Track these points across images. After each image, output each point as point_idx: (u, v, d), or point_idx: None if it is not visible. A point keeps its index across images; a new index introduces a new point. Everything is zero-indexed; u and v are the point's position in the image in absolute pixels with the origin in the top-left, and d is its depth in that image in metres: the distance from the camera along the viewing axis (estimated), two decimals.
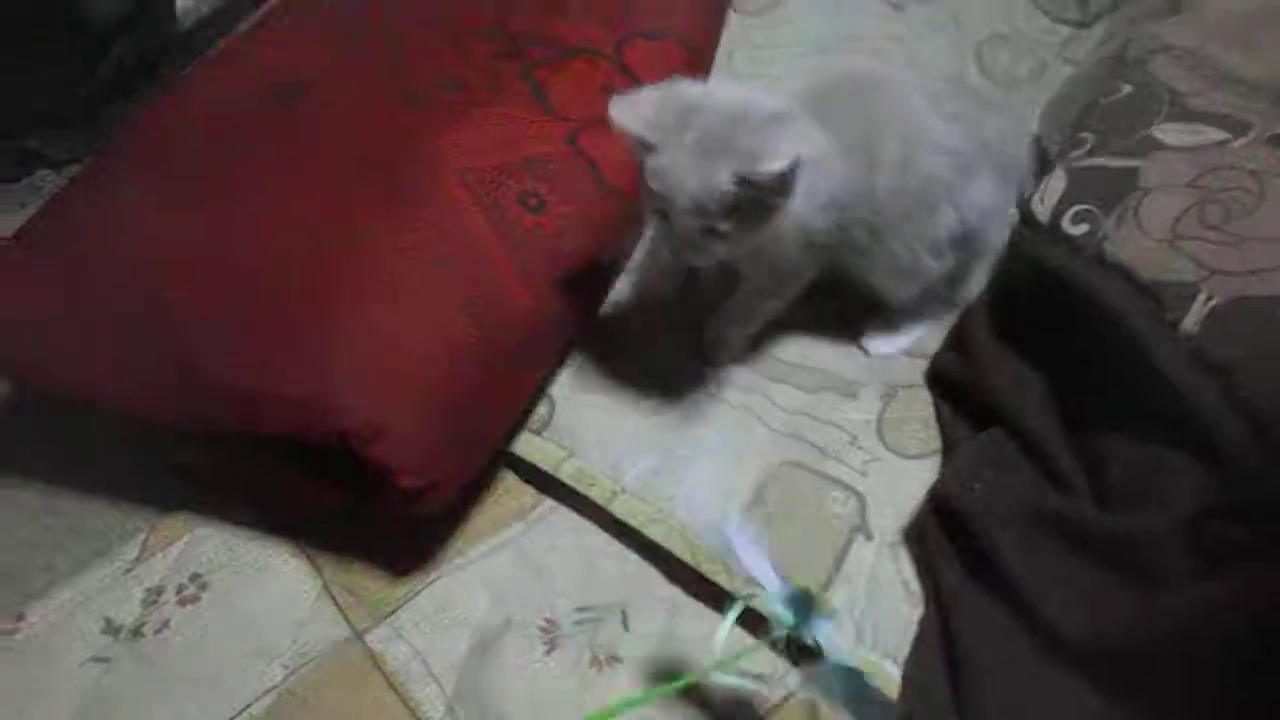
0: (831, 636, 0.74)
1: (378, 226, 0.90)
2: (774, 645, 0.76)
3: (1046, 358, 0.89)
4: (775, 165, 0.74)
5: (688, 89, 0.81)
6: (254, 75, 1.11)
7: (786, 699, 0.82)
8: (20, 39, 1.22)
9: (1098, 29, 1.34)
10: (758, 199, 0.77)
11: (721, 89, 0.83)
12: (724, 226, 0.79)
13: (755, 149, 0.75)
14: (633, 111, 0.78)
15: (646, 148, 0.78)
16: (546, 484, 0.96)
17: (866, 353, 1.01)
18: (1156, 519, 0.74)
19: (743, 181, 0.75)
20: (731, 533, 0.75)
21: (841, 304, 1.03)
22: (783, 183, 0.76)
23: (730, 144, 0.76)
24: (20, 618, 0.88)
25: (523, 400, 0.96)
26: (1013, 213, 0.96)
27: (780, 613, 0.74)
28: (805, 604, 0.74)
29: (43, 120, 1.30)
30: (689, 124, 0.77)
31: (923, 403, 0.96)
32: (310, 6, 1.23)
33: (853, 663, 0.75)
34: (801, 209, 0.82)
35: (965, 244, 0.92)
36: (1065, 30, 1.36)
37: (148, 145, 1.04)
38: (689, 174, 0.76)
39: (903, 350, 1.01)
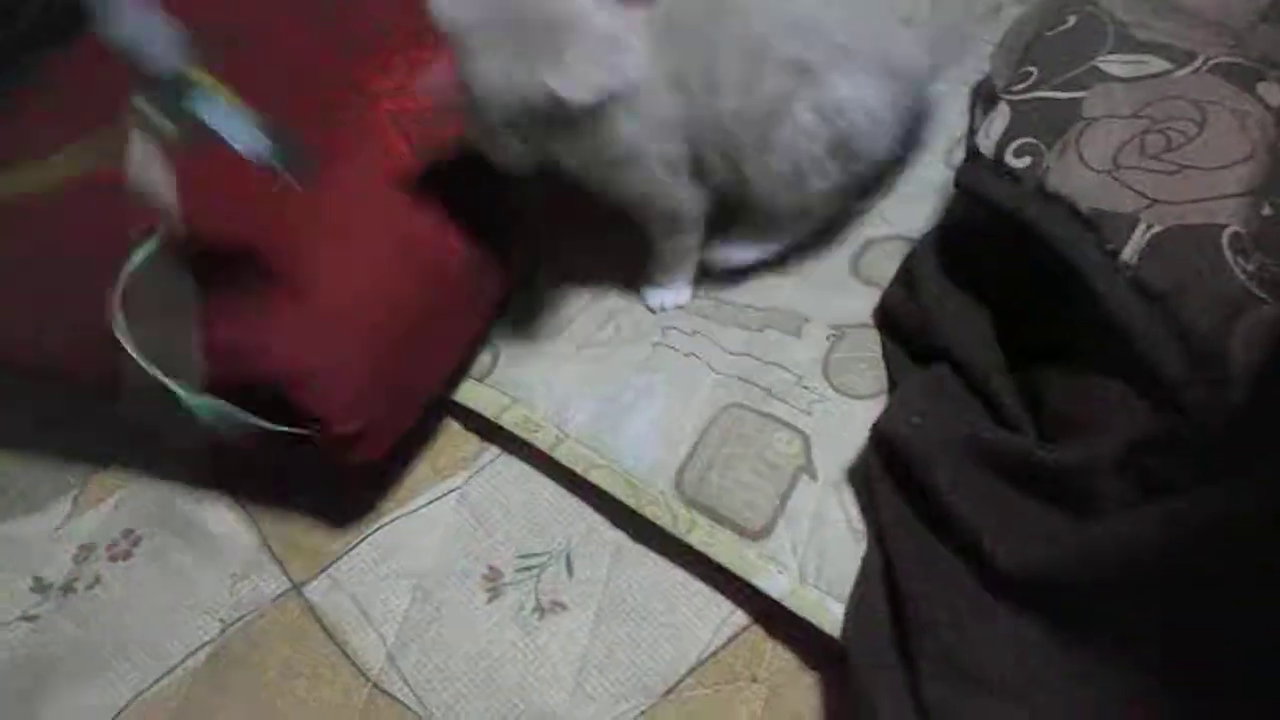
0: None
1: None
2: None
3: (991, 292, 0.88)
4: (579, 95, 0.73)
5: None
6: (191, 20, 1.07)
7: None
8: None
9: None
10: (569, 117, 0.76)
11: None
12: (530, 134, 0.78)
13: (571, 70, 0.74)
14: (455, 6, 0.76)
15: (464, 49, 0.76)
16: (490, 432, 0.94)
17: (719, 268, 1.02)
18: (1093, 449, 0.73)
19: (552, 99, 0.74)
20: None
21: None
22: (590, 111, 0.76)
23: (546, 58, 0.74)
24: None
25: (461, 347, 0.94)
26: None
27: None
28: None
29: None
30: (511, 27, 0.75)
31: (872, 342, 0.95)
32: None
33: None
34: (628, 134, 0.82)
35: (844, 151, 0.91)
36: None
37: (69, 87, 1.01)
38: (501, 78, 0.75)
39: (758, 259, 1.01)
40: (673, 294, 1.01)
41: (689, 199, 0.93)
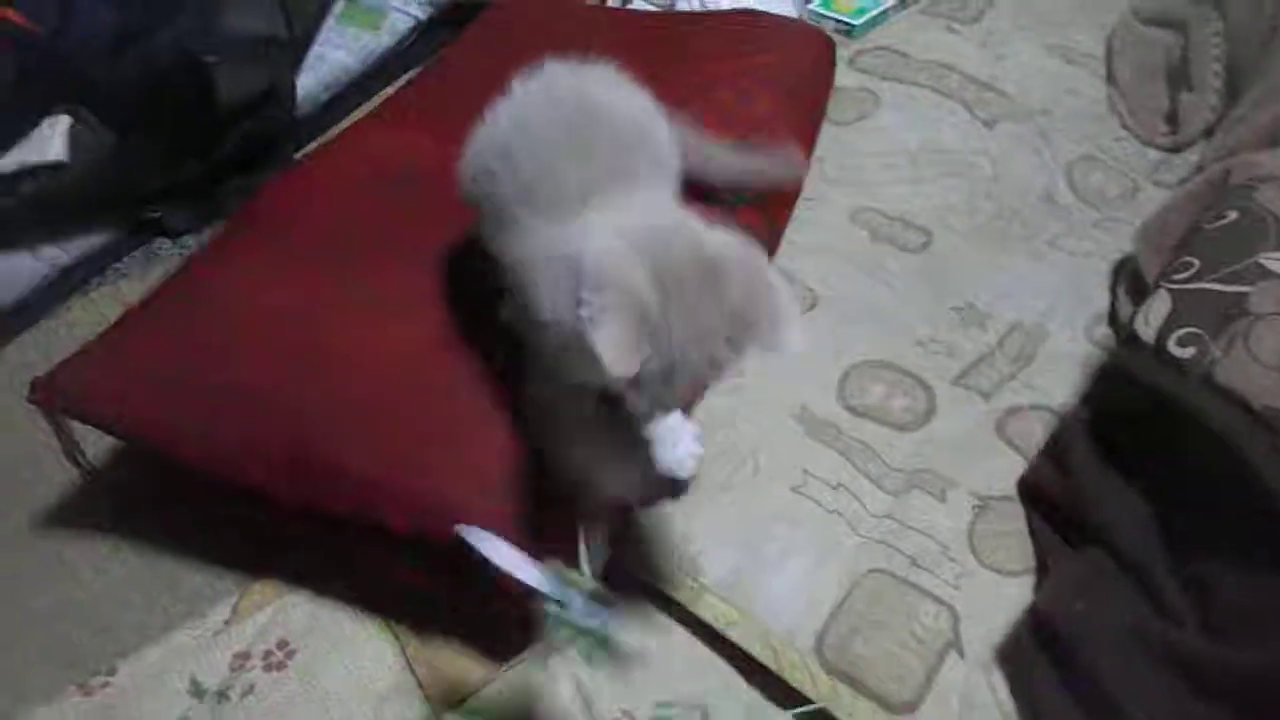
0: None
1: (484, 326, 0.92)
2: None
3: (1150, 479, 0.87)
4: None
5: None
6: (365, 162, 1.17)
7: None
8: (155, 115, 1.31)
9: (1190, 155, 1.36)
10: None
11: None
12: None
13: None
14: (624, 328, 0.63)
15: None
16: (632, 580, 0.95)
17: None
18: (1270, 653, 0.71)
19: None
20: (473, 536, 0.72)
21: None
22: None
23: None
24: (112, 673, 0.90)
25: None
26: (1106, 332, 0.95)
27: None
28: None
29: (165, 192, 1.38)
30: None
31: (1017, 515, 0.95)
32: (419, 102, 1.30)
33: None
34: None
35: None
36: (1156, 155, 1.38)
37: (267, 225, 1.10)
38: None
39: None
40: (685, 442, 0.91)
41: None
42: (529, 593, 0.73)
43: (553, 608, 0.73)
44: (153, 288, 1.05)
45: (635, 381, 0.65)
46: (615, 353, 0.62)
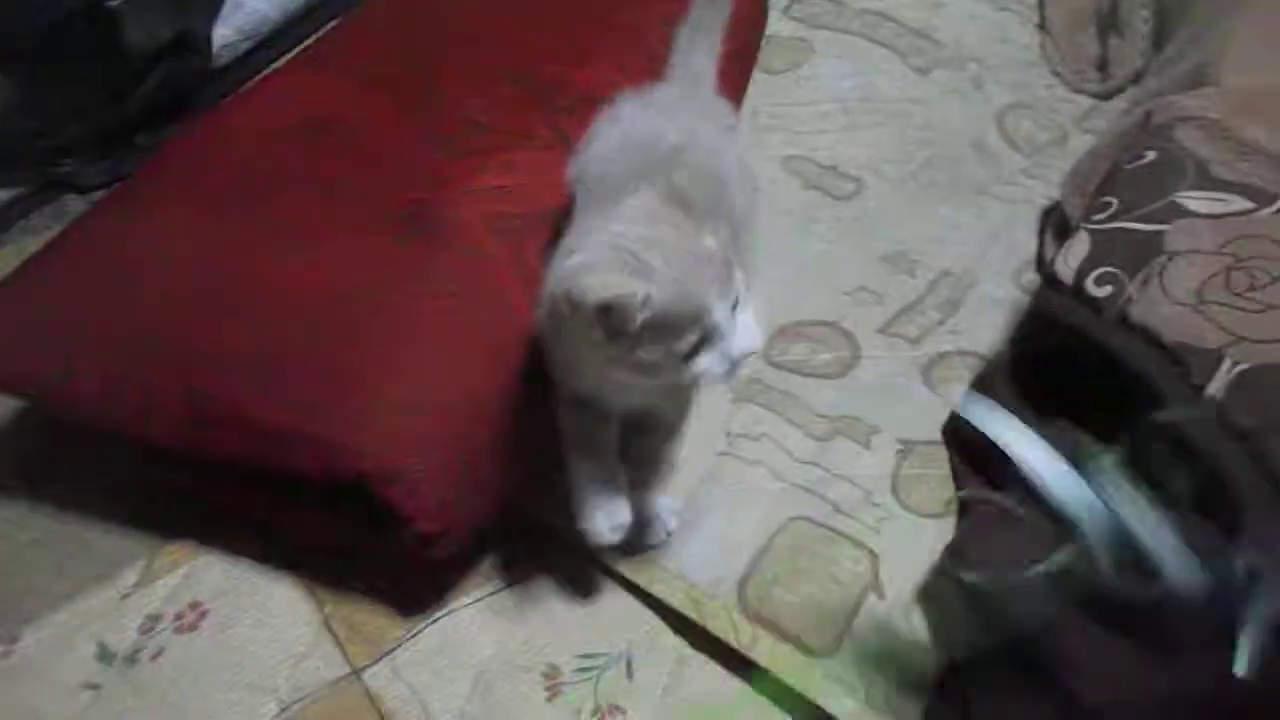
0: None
1: (407, 269, 0.90)
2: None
3: (1067, 418, 0.87)
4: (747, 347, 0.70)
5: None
6: (285, 109, 1.12)
7: None
8: (59, 65, 1.25)
9: (1118, 102, 1.36)
10: None
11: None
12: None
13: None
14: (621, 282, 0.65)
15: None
16: (552, 536, 0.94)
17: None
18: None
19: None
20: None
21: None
22: None
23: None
24: (14, 639, 0.87)
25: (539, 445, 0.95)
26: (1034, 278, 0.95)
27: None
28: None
29: (74, 146, 1.32)
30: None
31: (941, 458, 0.95)
32: (342, 49, 1.26)
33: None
34: None
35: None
36: (1086, 102, 1.38)
37: (176, 174, 1.06)
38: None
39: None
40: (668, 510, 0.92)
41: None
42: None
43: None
44: (49, 241, 1.00)
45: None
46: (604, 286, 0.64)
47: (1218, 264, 0.82)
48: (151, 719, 0.83)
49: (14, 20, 1.23)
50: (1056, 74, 1.39)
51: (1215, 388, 0.75)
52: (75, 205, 1.32)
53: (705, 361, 0.69)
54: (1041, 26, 1.45)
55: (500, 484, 0.87)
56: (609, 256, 0.67)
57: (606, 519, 0.82)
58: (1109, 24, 1.40)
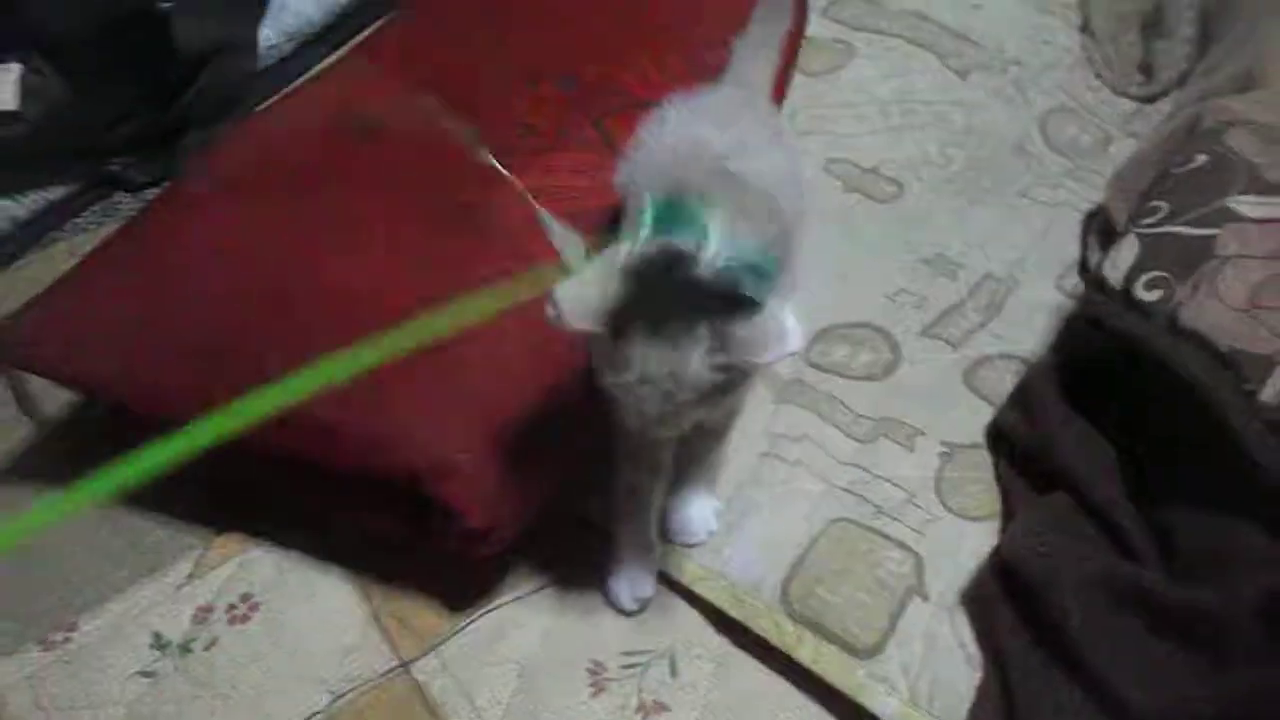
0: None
1: (455, 266, 0.91)
2: None
3: (1115, 423, 0.87)
4: (786, 348, 0.65)
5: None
6: (331, 110, 1.14)
7: None
8: (111, 65, 1.27)
9: (1162, 105, 1.35)
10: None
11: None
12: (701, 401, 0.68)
13: (745, 336, 0.65)
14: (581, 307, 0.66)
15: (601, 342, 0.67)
16: (601, 534, 0.95)
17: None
18: (1230, 594, 0.72)
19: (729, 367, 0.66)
20: None
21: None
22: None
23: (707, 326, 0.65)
24: (73, 628, 0.89)
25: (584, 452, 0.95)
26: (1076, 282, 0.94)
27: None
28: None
29: (124, 145, 1.34)
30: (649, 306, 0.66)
31: (984, 462, 0.95)
32: (389, 49, 1.27)
33: None
34: None
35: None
36: (1129, 105, 1.37)
37: (225, 173, 1.07)
38: (660, 363, 0.65)
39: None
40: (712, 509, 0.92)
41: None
42: None
43: None
44: (106, 238, 1.03)
45: None
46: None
47: (1270, 269, 0.82)
48: (204, 707, 0.84)
49: (68, 21, 1.25)
50: (1099, 77, 1.38)
51: (1269, 393, 0.75)
52: (126, 203, 1.34)
53: None
54: (1084, 29, 1.44)
55: (548, 481, 0.88)
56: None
57: (630, 589, 0.88)
58: (1153, 27, 1.39)
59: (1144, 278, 0.86)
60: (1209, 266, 0.83)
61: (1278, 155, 0.92)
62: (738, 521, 0.93)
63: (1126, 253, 0.89)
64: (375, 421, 0.81)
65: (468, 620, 0.89)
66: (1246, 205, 0.88)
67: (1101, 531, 0.82)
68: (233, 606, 0.90)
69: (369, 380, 0.83)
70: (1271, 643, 0.70)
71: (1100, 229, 1.14)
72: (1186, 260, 0.85)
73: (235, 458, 0.90)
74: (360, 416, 0.82)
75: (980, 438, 0.98)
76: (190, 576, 0.93)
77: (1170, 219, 0.90)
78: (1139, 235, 0.90)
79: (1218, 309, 0.80)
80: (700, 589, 0.89)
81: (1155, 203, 0.92)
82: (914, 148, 1.30)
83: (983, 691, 0.79)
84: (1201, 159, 0.94)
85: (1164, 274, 0.85)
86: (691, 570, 0.90)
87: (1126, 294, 0.86)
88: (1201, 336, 0.79)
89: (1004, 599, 0.80)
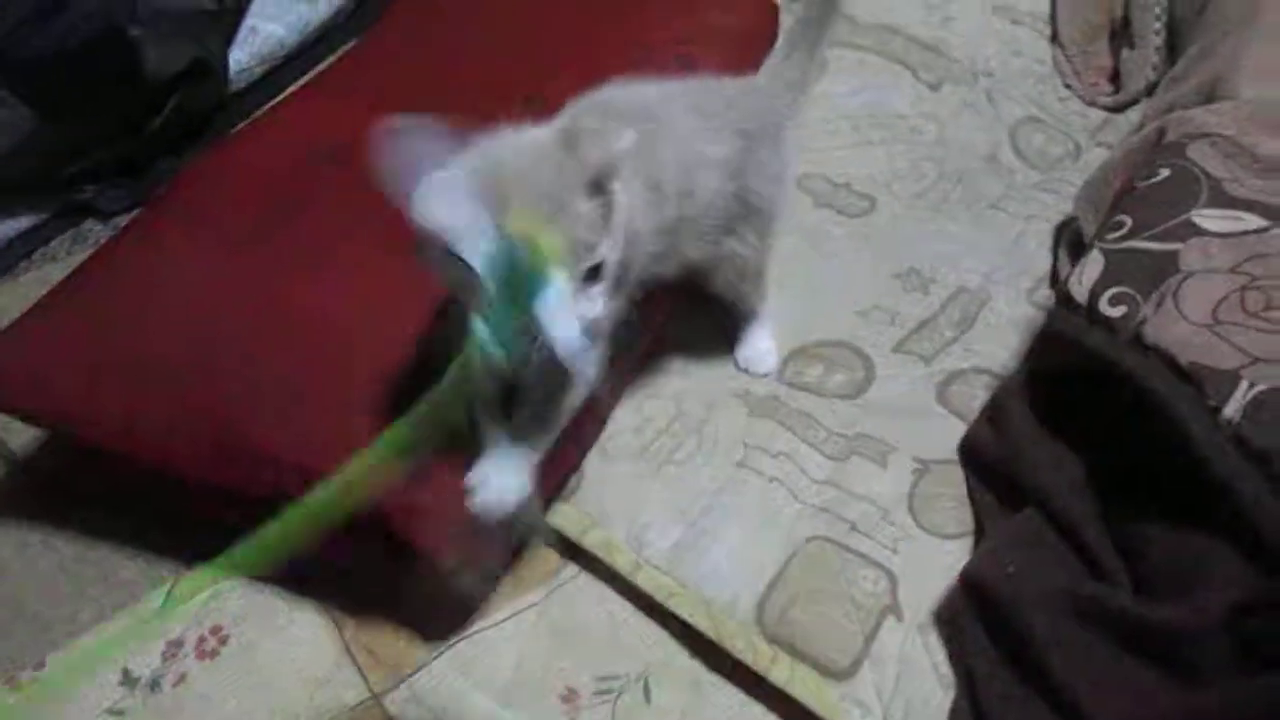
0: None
1: (424, 293, 0.90)
2: None
3: (1083, 438, 0.87)
4: (622, 142, 0.70)
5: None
6: (301, 135, 1.14)
7: None
8: (80, 92, 1.27)
9: (1131, 115, 1.36)
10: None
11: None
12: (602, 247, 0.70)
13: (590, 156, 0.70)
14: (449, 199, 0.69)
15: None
16: (573, 549, 0.95)
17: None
18: (1196, 610, 0.72)
19: (597, 186, 0.70)
20: None
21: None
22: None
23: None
24: (40, 666, 0.88)
25: (565, 472, 0.95)
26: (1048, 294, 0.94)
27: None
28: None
29: (94, 172, 1.34)
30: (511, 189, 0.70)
31: (957, 478, 0.95)
32: (357, 71, 1.27)
33: None
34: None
35: (757, 219, 0.93)
36: (1099, 115, 1.38)
37: (194, 201, 1.07)
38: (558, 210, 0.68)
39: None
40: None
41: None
42: None
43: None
44: (74, 271, 1.02)
45: None
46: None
47: (1233, 283, 0.82)
48: None
49: (35, 47, 1.24)
50: (1069, 87, 1.39)
51: (1232, 409, 0.75)
52: (96, 231, 1.34)
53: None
54: (1054, 39, 1.45)
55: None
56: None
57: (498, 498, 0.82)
58: (1121, 36, 1.40)
59: (1108, 293, 0.86)
60: (1172, 281, 0.84)
61: (1240, 169, 0.92)
62: (712, 530, 0.93)
63: (1091, 268, 0.89)
64: (338, 464, 0.81)
65: (439, 650, 0.88)
66: (1209, 219, 0.88)
67: (1070, 549, 0.82)
68: (202, 640, 0.89)
69: (332, 419, 0.83)
70: (1239, 659, 0.70)
71: (1071, 241, 1.14)
72: (1150, 275, 0.85)
73: (202, 489, 0.91)
74: (324, 458, 0.80)
75: (953, 453, 0.98)
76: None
77: (1134, 234, 0.90)
78: (1103, 250, 0.90)
79: (1180, 324, 0.80)
80: (674, 604, 0.89)
81: (1120, 217, 0.93)
82: (885, 162, 1.30)
83: (954, 713, 0.78)
84: (1165, 173, 0.94)
85: (1128, 290, 0.85)
86: (666, 585, 0.90)
87: (1091, 309, 0.86)
88: (1164, 352, 0.79)
89: (973, 619, 0.80)
